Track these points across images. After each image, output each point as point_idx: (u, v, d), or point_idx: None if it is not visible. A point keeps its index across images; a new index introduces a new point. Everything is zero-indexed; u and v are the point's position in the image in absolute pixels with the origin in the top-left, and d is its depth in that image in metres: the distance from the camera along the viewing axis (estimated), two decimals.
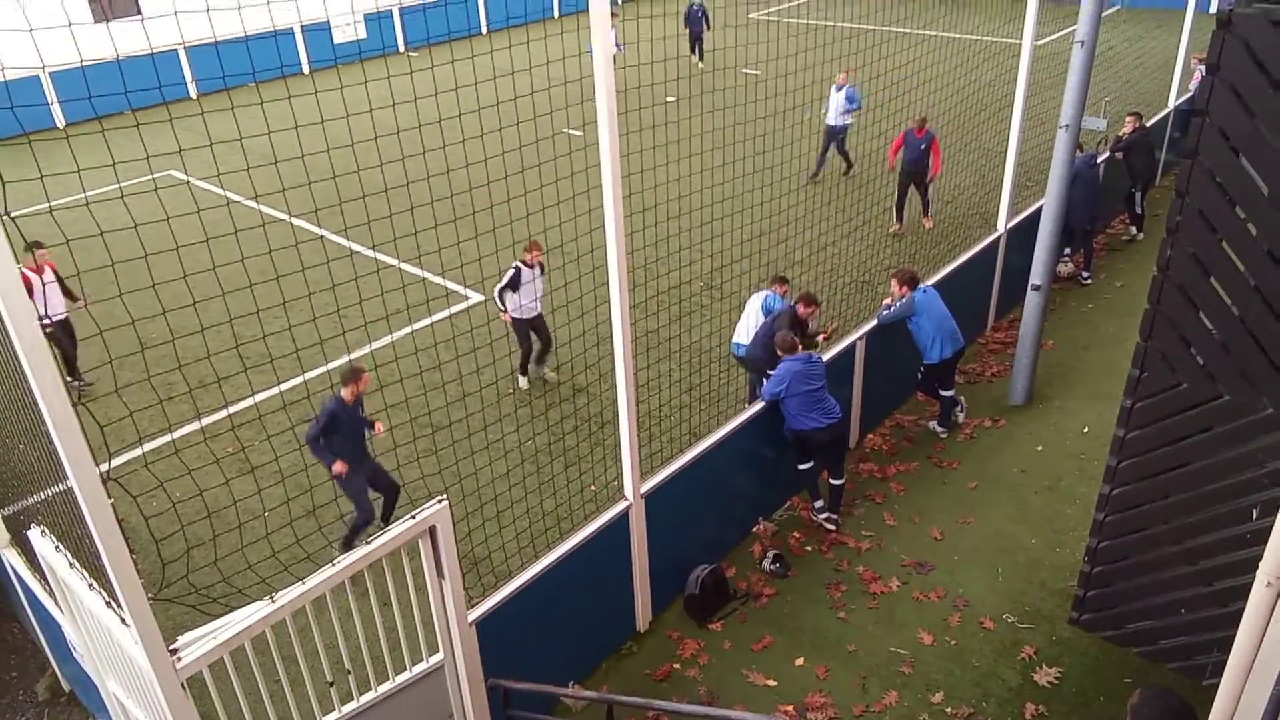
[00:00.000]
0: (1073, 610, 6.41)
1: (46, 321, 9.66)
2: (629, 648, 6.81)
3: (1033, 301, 8.73)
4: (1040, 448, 8.34)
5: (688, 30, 21.48)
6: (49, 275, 9.51)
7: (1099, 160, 11.29)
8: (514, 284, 9.12)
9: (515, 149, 7.15)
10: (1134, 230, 12.51)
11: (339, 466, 7.08)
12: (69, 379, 10.11)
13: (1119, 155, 11.80)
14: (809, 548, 7.57)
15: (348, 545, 7.32)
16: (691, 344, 9.86)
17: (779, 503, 8.05)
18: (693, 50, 21.50)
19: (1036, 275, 8.66)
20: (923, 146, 12.51)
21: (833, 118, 14.37)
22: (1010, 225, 10.12)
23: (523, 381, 9.81)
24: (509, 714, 5.68)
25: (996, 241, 10.11)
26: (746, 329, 8.50)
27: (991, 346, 10.37)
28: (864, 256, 12.09)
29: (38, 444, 5.23)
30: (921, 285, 8.43)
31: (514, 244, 7.10)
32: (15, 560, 6.00)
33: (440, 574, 5.00)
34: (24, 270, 9.32)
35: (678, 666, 6.59)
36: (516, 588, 5.73)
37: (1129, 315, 9.79)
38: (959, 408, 8.93)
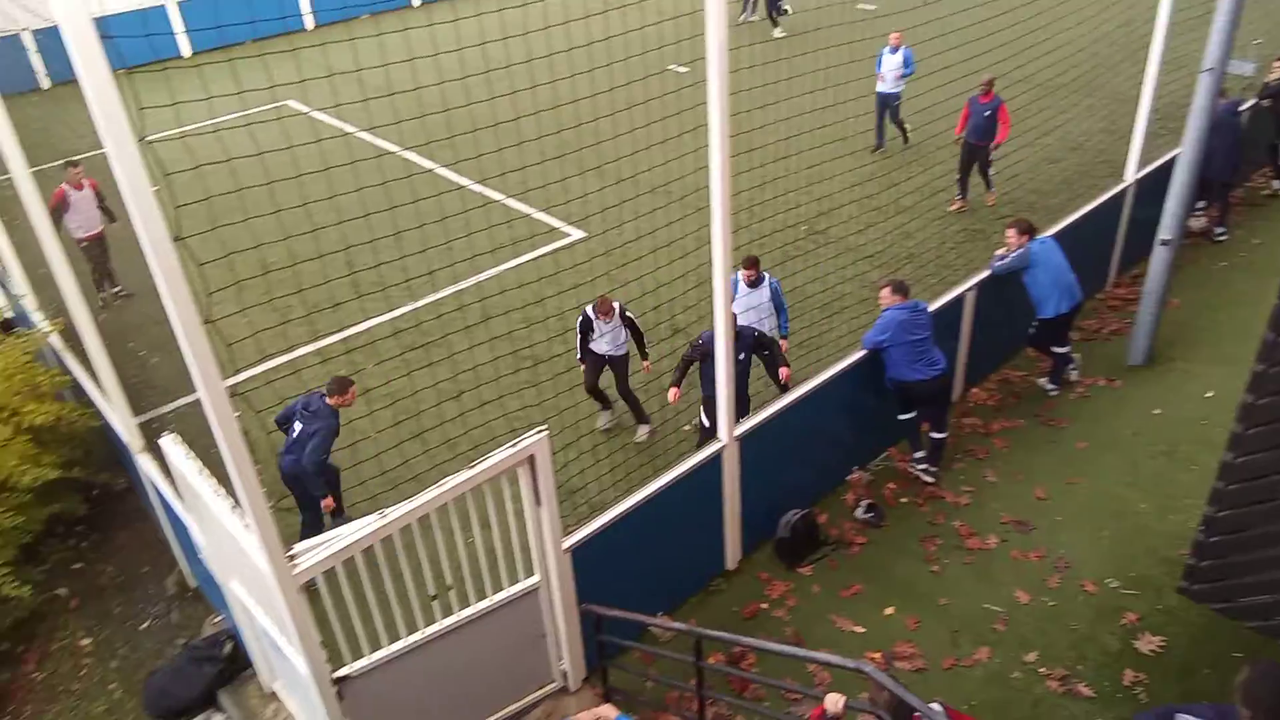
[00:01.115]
0: (1182, 579, 6.17)
1: (81, 236, 10.33)
2: (717, 585, 6.90)
3: (1160, 256, 8.26)
4: (1158, 410, 7.96)
5: None
6: (87, 192, 10.17)
7: (1243, 108, 10.49)
8: (585, 330, 8.00)
9: (623, 85, 7.10)
10: (1276, 185, 11.64)
11: (329, 503, 6.83)
12: (99, 290, 10.76)
13: (1265, 103, 10.92)
14: (904, 499, 7.48)
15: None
16: (793, 289, 9.68)
17: (875, 452, 7.95)
18: (770, 13, 18.51)
19: (1166, 229, 8.17)
20: (986, 114, 11.12)
21: (889, 83, 12.83)
22: (1140, 175, 9.55)
23: (602, 420, 8.47)
24: (599, 638, 5.86)
25: (1124, 192, 9.56)
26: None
27: (1111, 303, 9.88)
28: (977, 203, 11.63)
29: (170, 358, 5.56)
30: (1040, 235, 8.07)
31: (619, 182, 7.09)
32: (149, 465, 6.45)
33: (538, 501, 5.16)
34: (63, 185, 10.01)
35: (765, 606, 6.65)
36: (610, 519, 5.86)
37: (1265, 275, 9.18)
38: (1072, 365, 8.57)
